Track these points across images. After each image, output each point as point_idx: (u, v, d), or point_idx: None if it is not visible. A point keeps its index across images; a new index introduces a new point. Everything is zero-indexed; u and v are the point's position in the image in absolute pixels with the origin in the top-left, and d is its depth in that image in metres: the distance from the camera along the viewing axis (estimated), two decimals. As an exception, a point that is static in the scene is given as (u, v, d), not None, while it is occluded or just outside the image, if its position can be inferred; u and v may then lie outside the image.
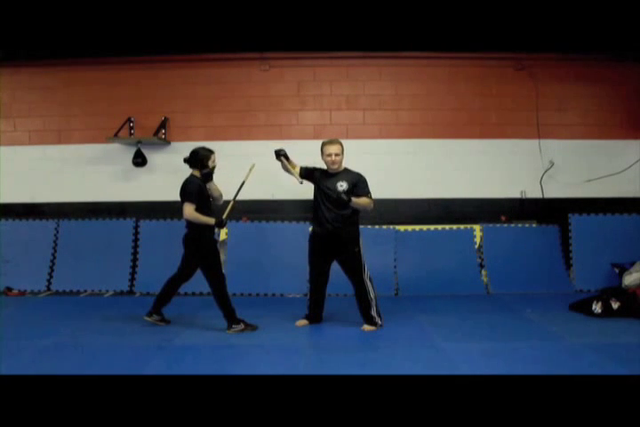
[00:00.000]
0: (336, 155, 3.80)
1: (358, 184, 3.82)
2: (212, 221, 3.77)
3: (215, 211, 3.97)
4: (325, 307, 4.12)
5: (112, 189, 5.81)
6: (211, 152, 3.86)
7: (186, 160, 3.87)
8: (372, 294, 3.87)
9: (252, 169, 3.95)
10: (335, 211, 3.80)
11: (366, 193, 3.82)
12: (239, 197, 3.99)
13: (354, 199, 3.71)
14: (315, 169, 3.98)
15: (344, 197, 3.67)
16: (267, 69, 5.75)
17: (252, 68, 5.74)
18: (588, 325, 4.00)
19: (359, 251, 3.85)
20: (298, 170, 3.95)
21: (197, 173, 3.85)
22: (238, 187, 3.96)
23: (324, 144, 3.86)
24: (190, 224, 3.83)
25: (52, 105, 5.82)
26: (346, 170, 3.91)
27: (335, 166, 3.84)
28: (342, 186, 3.79)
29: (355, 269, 3.87)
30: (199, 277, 4.05)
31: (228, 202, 3.98)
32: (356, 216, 3.87)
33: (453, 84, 5.74)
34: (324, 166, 3.95)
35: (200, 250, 3.85)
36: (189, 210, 3.72)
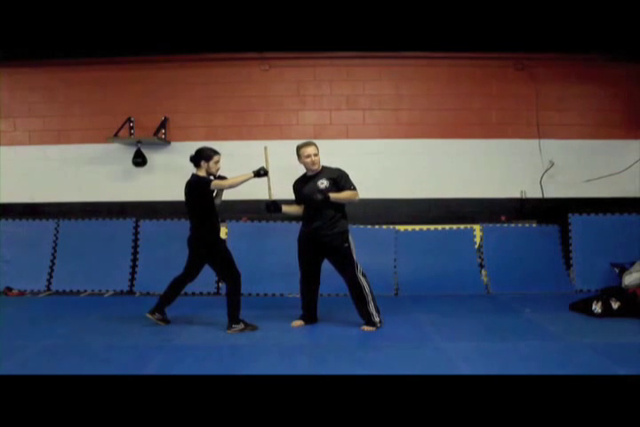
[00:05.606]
0: (315, 155, 3.85)
1: (339, 179, 3.84)
2: (250, 174, 3.79)
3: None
4: (324, 307, 4.12)
5: (112, 188, 5.81)
6: (215, 153, 3.87)
7: (191, 159, 3.88)
8: (367, 289, 3.83)
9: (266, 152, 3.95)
10: (320, 210, 3.82)
11: (349, 186, 3.84)
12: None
13: (333, 195, 3.75)
14: (295, 185, 4.02)
15: (318, 196, 3.72)
16: (267, 69, 5.75)
17: (252, 68, 5.74)
18: (587, 325, 4.00)
19: (349, 246, 3.84)
20: (296, 208, 4.03)
21: (201, 173, 3.86)
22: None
23: (300, 147, 3.88)
24: (197, 227, 3.84)
25: (52, 105, 5.82)
26: (324, 168, 3.92)
27: (315, 167, 3.87)
28: (323, 184, 3.81)
29: (346, 265, 3.85)
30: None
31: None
32: (339, 213, 3.86)
33: (453, 84, 5.73)
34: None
35: (213, 252, 3.87)
36: (222, 181, 3.80)
